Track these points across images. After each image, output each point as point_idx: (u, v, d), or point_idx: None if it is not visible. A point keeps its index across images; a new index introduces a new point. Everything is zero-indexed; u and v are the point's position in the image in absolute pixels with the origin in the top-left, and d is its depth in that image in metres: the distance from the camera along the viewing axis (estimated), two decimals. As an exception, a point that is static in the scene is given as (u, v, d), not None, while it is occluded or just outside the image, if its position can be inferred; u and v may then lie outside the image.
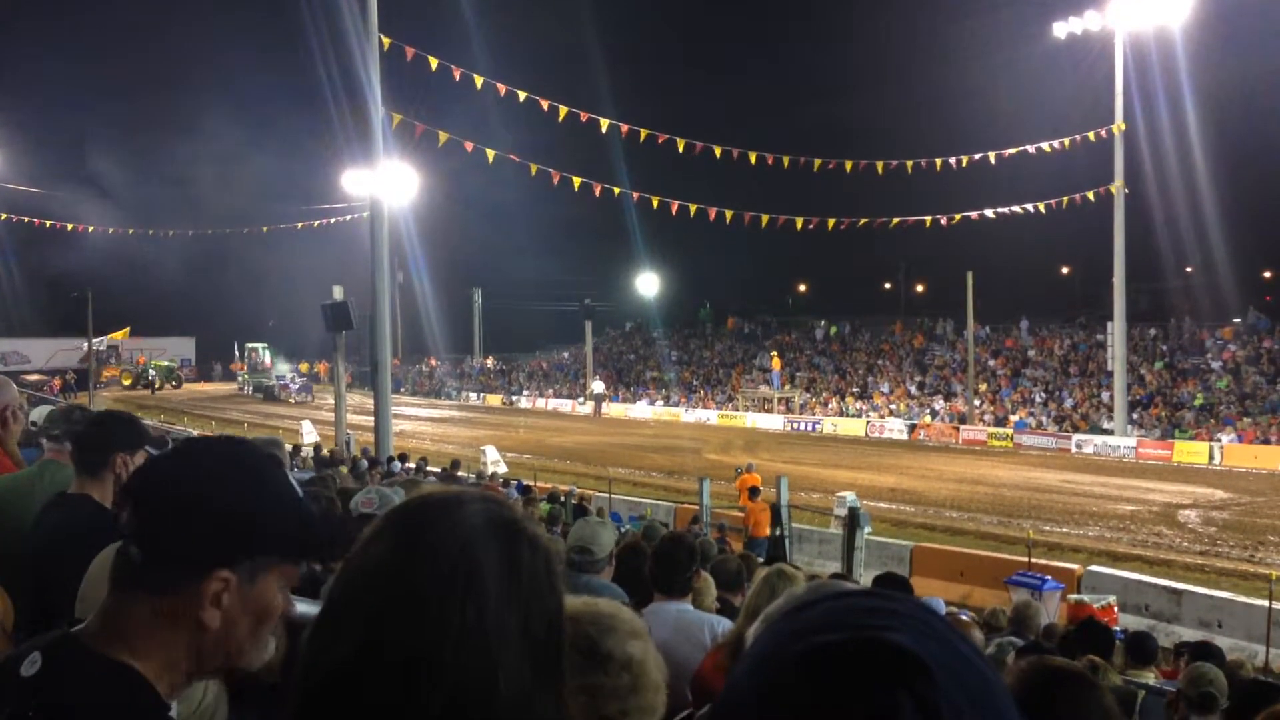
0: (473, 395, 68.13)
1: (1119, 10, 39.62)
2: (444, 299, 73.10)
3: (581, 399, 60.86)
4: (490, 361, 76.57)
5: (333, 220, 53.90)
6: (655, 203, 34.35)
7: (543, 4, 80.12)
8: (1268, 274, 64.40)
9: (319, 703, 1.00)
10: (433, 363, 76.86)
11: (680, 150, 32.68)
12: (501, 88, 29.72)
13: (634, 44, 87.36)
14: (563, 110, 30.62)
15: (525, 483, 21.58)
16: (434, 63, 28.24)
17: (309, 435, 30.52)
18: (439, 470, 20.21)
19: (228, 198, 64.55)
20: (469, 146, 30.55)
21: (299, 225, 55.47)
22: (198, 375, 79.43)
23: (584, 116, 31.12)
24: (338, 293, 27.87)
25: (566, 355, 72.67)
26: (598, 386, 60.10)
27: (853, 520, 17.73)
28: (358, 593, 1.03)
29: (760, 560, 10.22)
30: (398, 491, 4.93)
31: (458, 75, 28.95)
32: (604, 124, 31.35)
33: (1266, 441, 36.63)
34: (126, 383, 70.71)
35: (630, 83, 67.87)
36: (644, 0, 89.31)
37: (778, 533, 18.59)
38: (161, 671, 1.37)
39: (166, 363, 73.69)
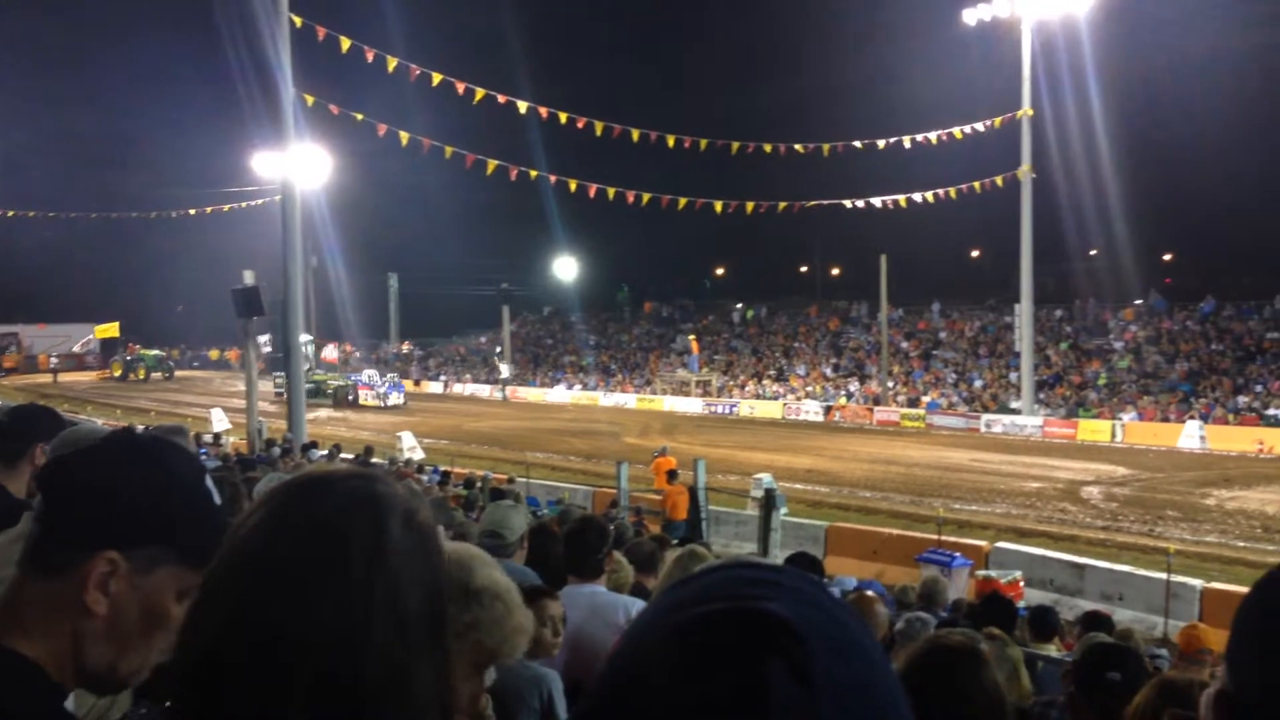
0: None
1: (1028, -2, 40.47)
2: (359, 283, 72.20)
3: (497, 385, 60.61)
4: (406, 347, 75.77)
5: (243, 204, 52.83)
6: (573, 186, 34.25)
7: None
8: (1167, 256, 66.38)
9: (193, 685, 1.00)
10: (348, 348, 75.86)
11: (599, 134, 32.61)
12: (416, 70, 29.36)
13: (552, 27, 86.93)
14: (479, 93, 30.35)
15: (442, 468, 21.44)
16: (346, 43, 27.78)
17: (219, 423, 29.89)
18: (353, 457, 19.97)
19: (132, 181, 62.89)
20: (382, 130, 30.16)
21: (208, 210, 54.28)
22: (102, 363, 77.34)
23: (501, 99, 30.88)
24: (248, 278, 27.32)
25: (484, 340, 72.26)
26: (504, 370, 60.11)
27: (769, 502, 17.95)
28: (228, 572, 1.03)
29: (675, 542, 10.31)
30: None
31: (370, 56, 28.53)
32: (522, 107, 31.13)
33: (1166, 420, 37.87)
34: (117, 373, 68.49)
35: (548, 66, 67.61)
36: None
37: (695, 515, 18.73)
38: (51, 660, 1.35)
39: (155, 352, 71.40)
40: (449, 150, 31.63)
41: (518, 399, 57.97)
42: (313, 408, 46.29)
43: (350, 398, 51.05)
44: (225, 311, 28.08)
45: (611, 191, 34.56)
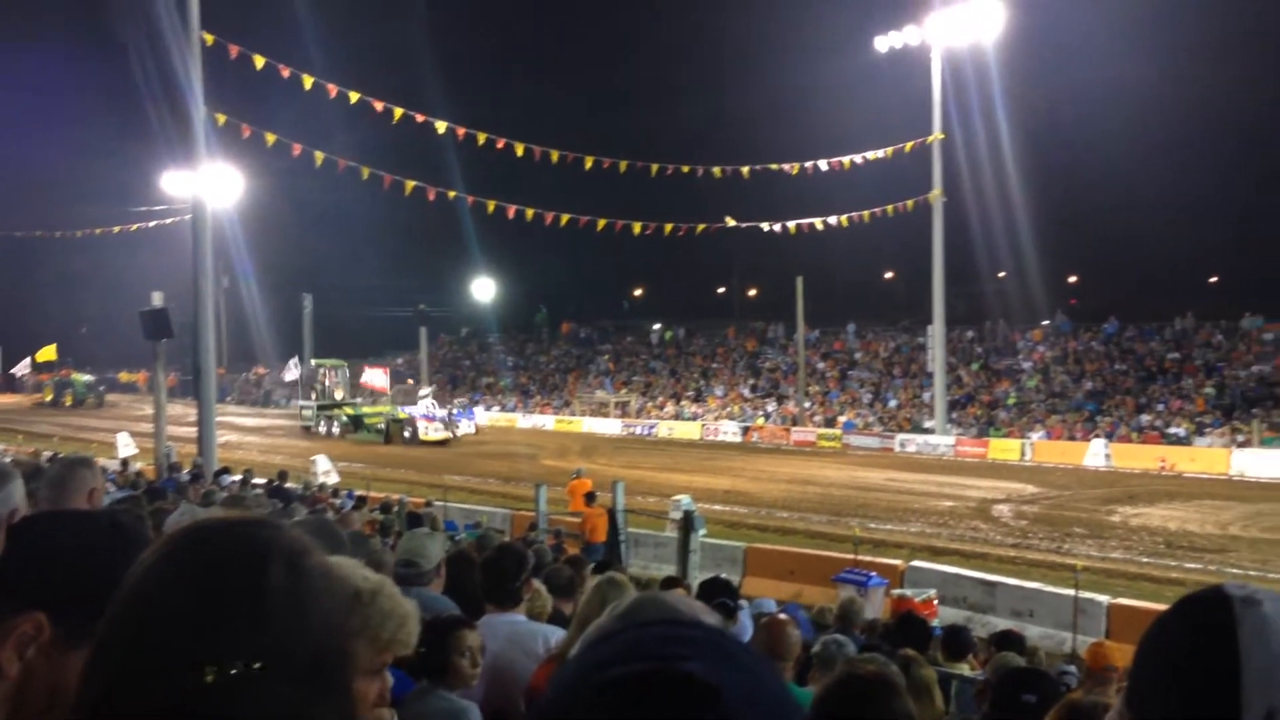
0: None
1: (936, 26, 41.43)
2: (273, 305, 70.82)
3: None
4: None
5: (152, 224, 51.63)
6: (491, 207, 34.11)
7: (377, 5, 78.70)
8: (1073, 278, 68.21)
9: None
10: (260, 371, 74.39)
11: (519, 154, 32.56)
12: (332, 88, 29.03)
13: (472, 47, 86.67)
14: (398, 112, 30.09)
15: (358, 492, 21.11)
16: (260, 61, 27.37)
17: (125, 448, 29.04)
18: (266, 482, 19.57)
19: (37, 199, 61.12)
20: (297, 149, 29.73)
21: (115, 229, 52.92)
22: (2, 385, 74.95)
23: (419, 118, 30.67)
24: (157, 299, 26.69)
25: (401, 362, 71.49)
26: (423, 392, 59.35)
27: (688, 523, 17.99)
28: (118, 623, 1.01)
29: (593, 566, 10.27)
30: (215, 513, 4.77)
31: (286, 74, 28.14)
32: (440, 126, 30.96)
33: (1073, 438, 38.87)
34: (48, 398, 66.29)
35: (468, 86, 67.44)
36: (482, 3, 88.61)
37: (614, 537, 18.71)
38: None
39: (86, 378, 69.19)
40: (366, 170, 31.32)
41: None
42: (354, 449, 41.08)
43: (407, 434, 43.80)
44: (135, 333, 27.34)
45: (530, 212, 34.49)
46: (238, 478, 19.55)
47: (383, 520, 14.78)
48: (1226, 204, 55.37)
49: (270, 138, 28.87)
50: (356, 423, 46.51)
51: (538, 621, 5.30)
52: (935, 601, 14.43)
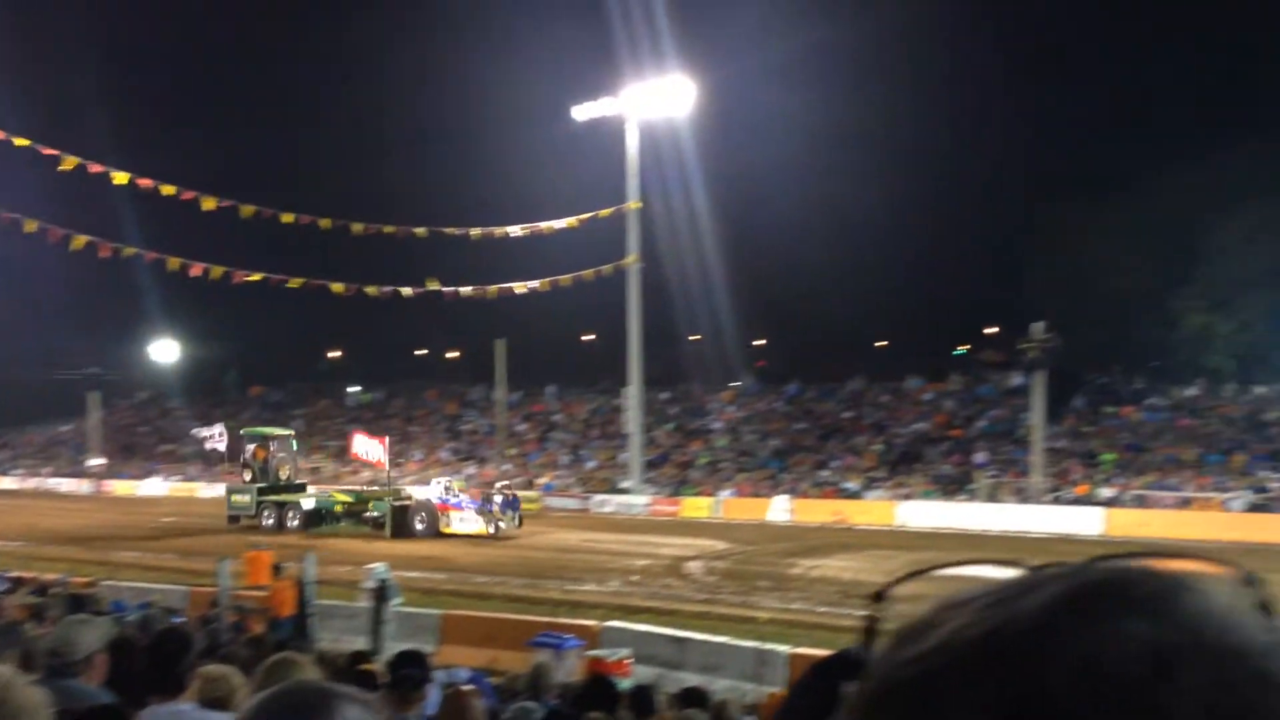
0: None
1: (630, 99, 43.13)
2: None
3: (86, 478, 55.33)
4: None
5: None
6: (175, 264, 32.27)
7: (51, 48, 73.17)
8: (761, 341, 71.98)
9: None
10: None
11: (209, 210, 31.04)
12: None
13: (154, 96, 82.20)
14: (70, 161, 27.99)
15: (12, 573, 19.13)
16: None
17: None
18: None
19: None
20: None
21: None
22: None
23: (95, 168, 28.65)
24: None
25: (68, 429, 65.90)
26: (93, 461, 54.97)
27: (382, 592, 17.48)
28: None
29: (276, 643, 9.76)
30: None
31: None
32: (120, 178, 29.07)
33: (758, 495, 40.92)
34: None
35: (152, 138, 63.69)
36: (172, 55, 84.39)
37: (302, 611, 17.89)
38: None
39: None
40: (32, 224, 28.79)
41: (108, 493, 53.11)
42: (340, 540, 31.75)
43: (420, 524, 33.71)
44: None
45: (219, 270, 32.84)
46: None
47: (37, 604, 13.46)
48: (891, 273, 60.24)
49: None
50: (316, 515, 35.51)
51: (213, 710, 4.98)
52: (629, 661, 14.66)
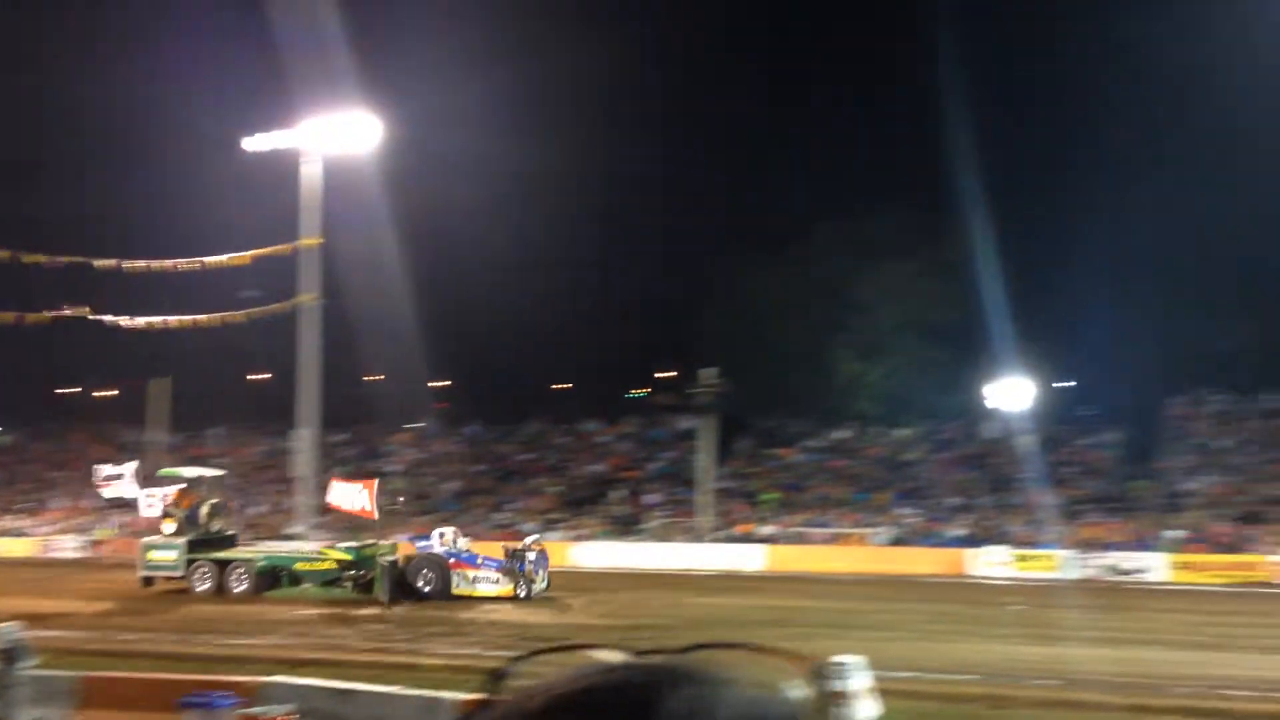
0: None
1: (309, 133, 41.44)
2: None
3: None
4: None
5: None
6: None
7: None
8: (445, 383, 71.28)
9: None
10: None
11: None
12: None
13: None
14: None
15: None
16: None
17: None
18: None
19: None
20: None
21: None
22: None
23: None
24: None
25: None
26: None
27: (11, 654, 15.77)
28: None
29: None
30: None
31: None
32: None
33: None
34: None
35: None
36: None
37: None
38: None
39: None
40: None
41: None
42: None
43: (425, 585, 28.77)
44: None
45: None
46: None
47: None
48: (574, 318, 61.39)
49: None
50: (270, 572, 30.31)
51: None
52: (292, 718, 13.96)
